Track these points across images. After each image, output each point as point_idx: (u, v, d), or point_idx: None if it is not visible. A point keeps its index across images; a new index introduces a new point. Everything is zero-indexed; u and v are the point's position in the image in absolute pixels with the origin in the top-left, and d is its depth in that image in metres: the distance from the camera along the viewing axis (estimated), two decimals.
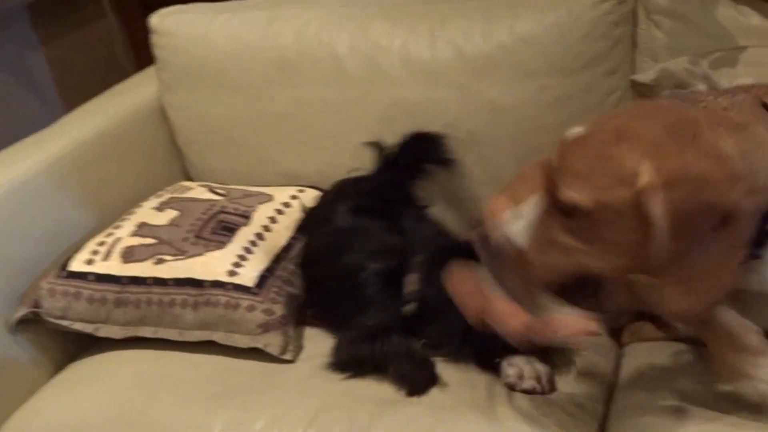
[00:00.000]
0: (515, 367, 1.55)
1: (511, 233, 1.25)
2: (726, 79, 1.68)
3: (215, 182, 2.16)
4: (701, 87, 1.72)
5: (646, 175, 1.11)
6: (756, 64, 1.68)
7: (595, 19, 1.88)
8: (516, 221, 1.26)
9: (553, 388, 1.54)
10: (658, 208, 1.10)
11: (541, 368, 1.55)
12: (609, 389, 1.60)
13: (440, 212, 2.03)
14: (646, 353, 1.60)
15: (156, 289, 1.77)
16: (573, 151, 1.19)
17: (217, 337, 1.74)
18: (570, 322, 1.29)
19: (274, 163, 2.14)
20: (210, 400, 1.61)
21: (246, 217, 1.91)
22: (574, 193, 1.15)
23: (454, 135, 1.98)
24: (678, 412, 1.40)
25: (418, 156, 1.99)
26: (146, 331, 1.78)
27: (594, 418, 1.51)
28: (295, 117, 2.08)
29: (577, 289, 1.24)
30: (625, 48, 1.91)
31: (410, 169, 1.99)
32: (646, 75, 1.80)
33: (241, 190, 2.05)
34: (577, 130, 1.21)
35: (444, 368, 1.61)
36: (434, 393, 1.55)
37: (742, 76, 1.67)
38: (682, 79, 1.74)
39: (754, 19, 1.75)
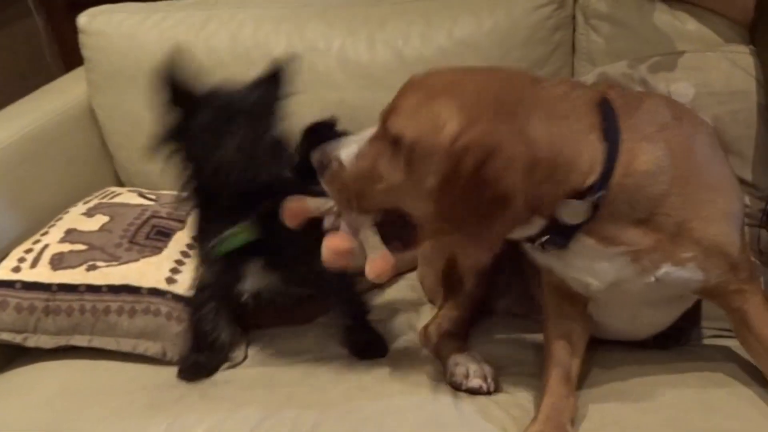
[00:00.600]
0: (461, 366, 1.55)
1: (341, 155, 1.35)
2: (664, 83, 1.70)
3: (146, 187, 2.11)
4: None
5: (450, 127, 1.22)
6: (693, 69, 1.70)
7: (535, 24, 1.89)
8: (349, 145, 1.36)
9: (497, 387, 1.54)
10: (449, 162, 1.21)
11: (487, 368, 1.55)
12: None
13: None
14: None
15: (89, 296, 1.72)
16: (409, 92, 1.31)
17: (155, 351, 1.70)
18: (378, 262, 1.35)
19: None
20: (144, 411, 1.56)
21: (180, 221, 1.86)
22: (398, 126, 1.28)
23: None
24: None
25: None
26: (80, 340, 1.73)
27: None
28: None
29: (391, 226, 1.35)
30: (564, 52, 1.92)
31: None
32: (584, 79, 1.81)
33: (173, 194, 1.99)
34: (419, 74, 1.33)
35: (390, 369, 1.61)
36: (379, 396, 1.53)
37: (679, 80, 1.69)
38: (620, 83, 1.75)
39: (690, 24, 1.78)
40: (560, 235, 1.33)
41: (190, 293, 1.71)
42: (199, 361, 1.67)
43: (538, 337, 1.62)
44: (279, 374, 1.64)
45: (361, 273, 1.37)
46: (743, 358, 1.50)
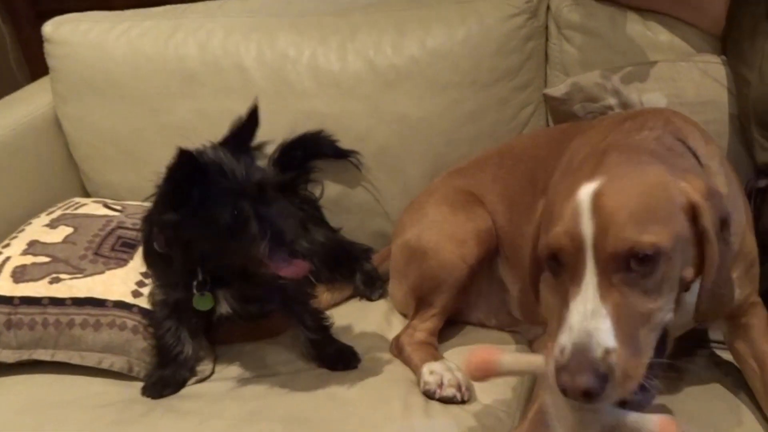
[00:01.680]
0: (435, 375, 1.54)
1: (604, 343, 1.06)
2: (636, 93, 1.70)
3: (113, 198, 2.07)
4: (612, 101, 1.74)
5: (693, 193, 1.13)
6: (665, 79, 1.71)
7: (507, 34, 1.89)
8: (594, 320, 1.08)
9: (471, 396, 1.53)
10: (708, 218, 1.13)
11: (461, 376, 1.53)
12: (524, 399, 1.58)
13: (352, 227, 2.00)
14: None
15: (52, 309, 1.68)
16: (614, 193, 1.12)
17: (121, 366, 1.67)
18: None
19: None
20: (110, 428, 1.52)
21: None
22: (653, 236, 1.09)
23: (366, 148, 1.95)
24: None
25: (307, 153, 1.96)
26: (43, 354, 1.68)
27: (509, 429, 1.49)
28: (197, 129, 1.99)
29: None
30: (537, 62, 1.92)
31: (300, 167, 1.97)
32: (557, 89, 1.81)
33: (139, 205, 1.95)
34: (589, 185, 1.14)
35: (361, 381, 1.59)
36: (349, 409, 1.51)
37: (651, 90, 1.69)
38: (592, 93, 1.75)
39: (662, 35, 1.79)
40: None
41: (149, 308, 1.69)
42: (165, 377, 1.63)
43: (512, 347, 1.62)
44: (247, 388, 1.61)
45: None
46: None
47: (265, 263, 1.46)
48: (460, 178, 1.81)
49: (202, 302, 1.58)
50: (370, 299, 1.91)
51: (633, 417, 1.10)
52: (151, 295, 1.68)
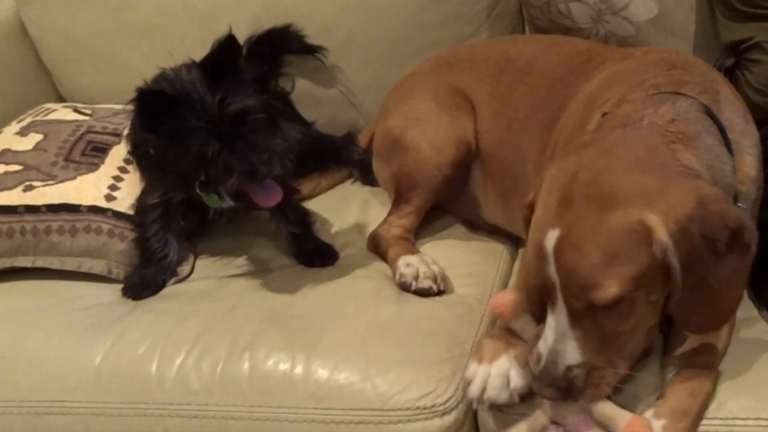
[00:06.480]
0: (411, 267, 1.55)
1: (564, 358, 1.15)
2: None
3: (87, 101, 2.04)
4: None
5: (658, 229, 1.08)
6: None
7: None
8: (562, 342, 1.15)
9: (447, 288, 1.54)
10: (675, 251, 1.08)
11: (437, 269, 1.55)
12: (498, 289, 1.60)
13: (324, 121, 1.99)
14: None
15: (28, 217, 1.68)
16: (571, 248, 1.11)
17: (100, 269, 1.68)
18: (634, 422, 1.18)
19: (141, 77, 2.02)
20: (90, 330, 1.54)
21: (116, 135, 1.81)
22: (613, 288, 1.09)
23: (333, 37, 1.92)
24: None
25: (275, 48, 1.94)
26: (24, 261, 1.70)
27: (479, 316, 1.51)
28: (160, 27, 1.98)
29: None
30: None
31: (269, 62, 1.94)
32: None
33: (109, 108, 1.94)
34: (553, 233, 1.13)
35: (335, 278, 1.60)
36: (321, 304, 1.53)
37: None
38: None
39: None
40: None
41: (132, 212, 1.69)
42: (145, 277, 1.65)
43: (486, 240, 1.66)
44: (224, 286, 1.63)
45: None
46: None
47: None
48: (453, 72, 1.76)
49: (210, 200, 1.57)
50: (372, 185, 1.90)
51: (609, 409, 1.16)
52: (139, 200, 1.67)
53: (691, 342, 1.25)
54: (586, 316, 1.12)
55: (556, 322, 1.15)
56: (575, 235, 1.11)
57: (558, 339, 1.14)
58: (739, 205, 1.21)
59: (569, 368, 1.13)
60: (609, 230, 1.10)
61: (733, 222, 1.10)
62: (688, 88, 1.29)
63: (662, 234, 1.08)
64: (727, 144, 1.25)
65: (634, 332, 1.16)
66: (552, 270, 1.13)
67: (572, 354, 1.14)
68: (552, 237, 1.12)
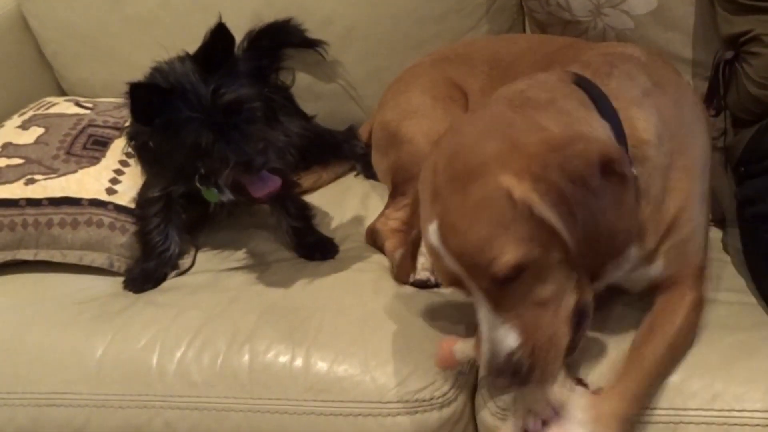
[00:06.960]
0: None
1: (501, 345, 1.14)
2: None
3: (88, 95, 2.05)
4: None
5: (516, 187, 1.08)
6: None
7: None
8: (495, 330, 1.14)
9: None
10: (543, 203, 1.07)
11: None
12: None
13: (325, 115, 1.99)
14: None
15: (30, 210, 1.69)
16: (451, 233, 1.12)
17: (102, 262, 1.69)
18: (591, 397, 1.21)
19: (143, 71, 2.03)
20: (91, 322, 1.55)
21: (118, 128, 1.82)
22: (506, 255, 1.09)
23: (333, 31, 1.92)
24: None
25: (275, 42, 1.94)
26: (26, 254, 1.71)
27: None
28: (162, 20, 1.98)
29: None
30: None
31: (269, 56, 1.94)
32: None
33: (110, 102, 1.95)
34: (432, 226, 1.13)
35: (335, 271, 1.61)
36: (321, 297, 1.54)
37: None
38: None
39: None
40: None
41: (133, 205, 1.69)
42: (147, 270, 1.66)
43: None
44: (225, 279, 1.64)
45: None
46: None
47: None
48: (451, 66, 1.77)
49: (210, 194, 1.57)
50: (375, 179, 1.90)
51: (559, 393, 1.18)
52: (141, 193, 1.68)
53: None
54: (504, 295, 1.12)
55: (482, 311, 1.15)
56: (449, 220, 1.12)
57: (491, 328, 1.14)
58: (633, 169, 1.18)
59: (511, 353, 1.12)
60: (475, 204, 1.10)
61: (597, 155, 1.09)
62: (577, 66, 1.31)
63: (519, 191, 1.07)
64: (604, 110, 1.23)
65: (558, 298, 1.14)
66: (449, 261, 1.13)
67: (508, 339, 1.13)
68: (433, 231, 1.13)
